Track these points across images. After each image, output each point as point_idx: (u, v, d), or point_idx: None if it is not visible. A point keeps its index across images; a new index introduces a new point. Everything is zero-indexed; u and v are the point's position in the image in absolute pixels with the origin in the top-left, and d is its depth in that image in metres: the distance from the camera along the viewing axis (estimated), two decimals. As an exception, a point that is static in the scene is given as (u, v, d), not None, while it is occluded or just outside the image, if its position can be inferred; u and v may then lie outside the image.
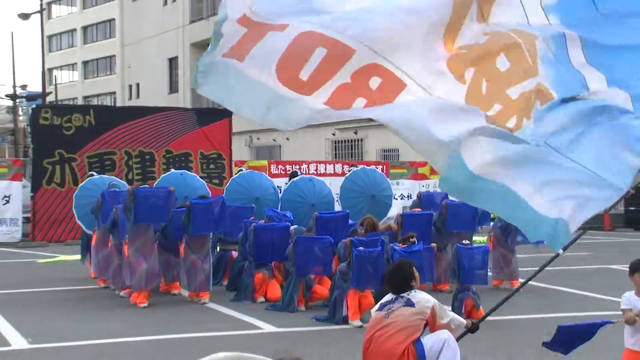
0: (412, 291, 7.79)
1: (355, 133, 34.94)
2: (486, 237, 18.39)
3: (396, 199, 23.66)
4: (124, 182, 19.79)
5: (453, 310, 12.67)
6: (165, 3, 51.07)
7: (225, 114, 29.11)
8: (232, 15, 6.61)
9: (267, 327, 12.40)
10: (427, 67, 6.60)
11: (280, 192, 19.05)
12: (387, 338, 7.53)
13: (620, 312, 7.66)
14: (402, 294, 7.73)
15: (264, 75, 6.51)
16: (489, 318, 12.36)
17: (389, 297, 7.88)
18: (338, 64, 6.51)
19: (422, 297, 7.70)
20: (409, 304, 7.64)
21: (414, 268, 8.13)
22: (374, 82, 6.57)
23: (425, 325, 7.75)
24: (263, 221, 15.42)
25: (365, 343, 7.71)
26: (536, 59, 6.72)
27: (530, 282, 16.64)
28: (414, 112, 6.40)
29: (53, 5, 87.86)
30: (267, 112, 6.60)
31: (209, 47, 6.65)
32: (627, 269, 7.79)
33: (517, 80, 6.65)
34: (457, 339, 8.04)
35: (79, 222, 17.82)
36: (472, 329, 8.04)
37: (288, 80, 6.50)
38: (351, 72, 6.51)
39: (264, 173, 21.89)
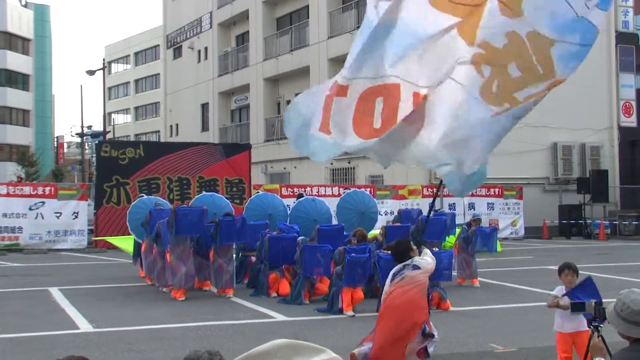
0: (415, 258, 7.90)
1: (349, 163, 34.87)
2: (453, 245, 18.33)
3: (381, 215, 23.53)
4: (167, 201, 19.73)
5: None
6: (199, 61, 51.16)
7: (246, 148, 29.11)
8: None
9: (279, 317, 12.33)
10: (447, 65, 6.09)
11: (289, 210, 18.96)
12: (406, 292, 7.58)
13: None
14: (406, 262, 7.80)
15: (343, 137, 6.47)
16: (457, 308, 12.32)
17: (397, 268, 7.89)
18: (394, 105, 6.27)
19: (424, 261, 7.86)
20: (416, 267, 7.75)
21: (411, 243, 8.31)
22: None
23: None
24: (276, 232, 15.37)
25: (385, 298, 7.71)
26: (552, 63, 5.99)
27: (486, 280, 16.68)
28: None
29: (112, 64, 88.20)
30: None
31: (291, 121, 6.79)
32: None
33: (525, 85, 6.02)
34: None
35: (131, 232, 17.75)
36: None
37: (367, 134, 6.37)
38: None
39: (276, 194, 21.83)
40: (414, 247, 8.16)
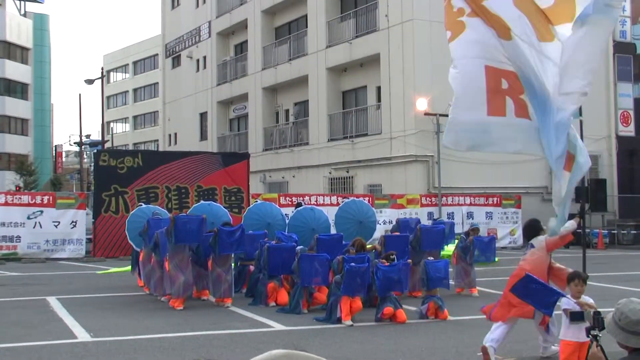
0: (536, 238, 9.27)
1: (347, 172, 34.87)
2: (451, 254, 18.31)
3: (379, 224, 23.54)
4: (165, 210, 19.74)
5: (420, 312, 12.68)
6: (198, 70, 51.22)
7: (244, 157, 29.07)
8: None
9: (278, 326, 12.31)
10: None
11: (288, 219, 18.95)
12: (530, 260, 9.15)
13: (561, 311, 7.64)
14: (529, 242, 9.27)
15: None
16: (456, 318, 12.22)
17: (524, 253, 9.50)
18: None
19: (539, 240, 9.22)
20: (532, 246, 9.27)
21: (539, 224, 9.71)
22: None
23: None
24: (274, 242, 15.36)
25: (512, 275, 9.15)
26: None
27: (485, 289, 16.66)
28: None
29: (111, 73, 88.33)
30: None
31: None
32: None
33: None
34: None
35: (130, 242, 17.74)
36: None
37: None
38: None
39: (274, 203, 21.82)
40: (544, 228, 9.43)
